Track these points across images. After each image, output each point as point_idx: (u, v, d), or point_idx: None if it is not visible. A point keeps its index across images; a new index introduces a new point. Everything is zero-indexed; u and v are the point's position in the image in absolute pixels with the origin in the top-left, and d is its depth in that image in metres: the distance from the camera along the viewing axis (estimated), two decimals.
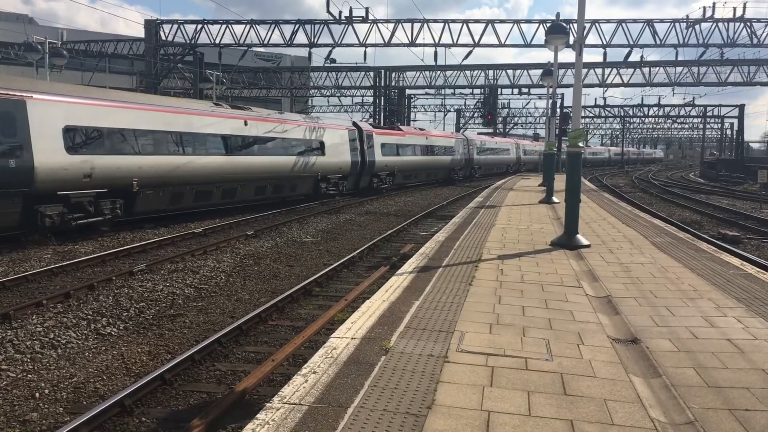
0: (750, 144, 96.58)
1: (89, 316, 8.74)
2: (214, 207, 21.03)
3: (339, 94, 60.73)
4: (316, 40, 34.27)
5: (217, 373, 6.88)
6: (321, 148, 26.73)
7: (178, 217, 19.32)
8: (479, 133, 55.79)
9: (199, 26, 35.17)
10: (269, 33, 34.53)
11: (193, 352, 7.05)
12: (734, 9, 33.73)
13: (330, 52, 35.48)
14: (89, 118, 15.70)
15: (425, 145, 40.03)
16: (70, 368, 6.94)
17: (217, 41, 34.94)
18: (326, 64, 38.03)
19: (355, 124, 32.12)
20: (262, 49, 45.51)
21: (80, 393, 6.32)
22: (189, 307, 9.65)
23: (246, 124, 21.88)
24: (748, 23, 33.47)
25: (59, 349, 7.49)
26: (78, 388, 6.43)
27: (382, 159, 32.88)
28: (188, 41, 35.58)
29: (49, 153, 14.29)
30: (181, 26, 35.50)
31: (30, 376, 6.68)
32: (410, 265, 8.41)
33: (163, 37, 36.00)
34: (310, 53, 35.28)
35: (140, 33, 37.84)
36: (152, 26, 35.67)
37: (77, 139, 15.37)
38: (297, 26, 34.46)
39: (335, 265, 12.35)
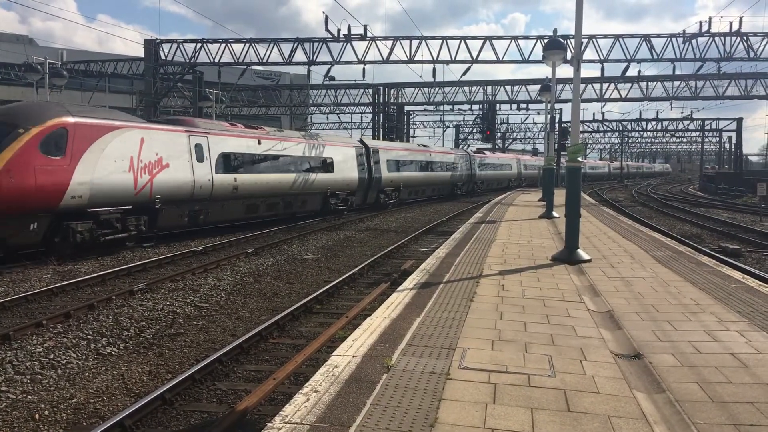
0: (749, 157, 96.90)
1: (89, 336, 8.70)
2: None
3: (338, 112, 61.02)
4: (314, 58, 34.43)
5: (218, 393, 6.84)
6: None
7: (177, 235, 19.33)
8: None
9: (199, 45, 35.35)
10: (268, 51, 34.71)
11: (193, 372, 7.01)
12: (730, 23, 33.92)
13: (329, 69, 35.63)
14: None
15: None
16: (70, 389, 6.90)
17: (216, 60, 35.10)
18: (325, 82, 38.18)
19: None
20: (261, 68, 45.80)
21: (80, 414, 6.28)
22: (189, 325, 9.61)
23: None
24: (745, 37, 33.65)
25: (59, 370, 7.45)
26: (78, 408, 6.39)
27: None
28: (187, 60, 35.76)
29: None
30: (181, 45, 35.69)
31: (30, 397, 6.64)
32: (411, 281, 8.39)
33: (163, 57, 36.18)
34: (309, 71, 35.46)
35: (138, 52, 38.13)
36: (152, 46, 35.86)
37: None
38: (296, 44, 34.64)
39: (336, 282, 12.32)
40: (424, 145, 45.14)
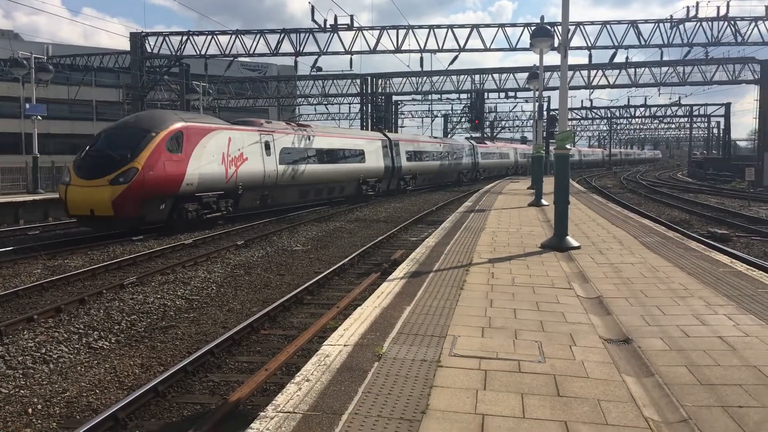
0: (737, 142, 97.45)
1: (81, 330, 8.68)
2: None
3: (326, 102, 60.81)
4: (301, 49, 34.31)
5: (210, 384, 6.85)
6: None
7: (166, 229, 19.31)
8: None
9: (184, 38, 35.13)
10: (255, 43, 34.56)
11: (185, 364, 7.01)
12: (717, 8, 33.94)
13: (316, 60, 35.57)
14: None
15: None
16: (62, 383, 6.89)
17: (202, 52, 34.90)
18: (312, 73, 38.12)
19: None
20: (247, 59, 45.55)
21: (73, 407, 6.28)
22: (181, 318, 9.61)
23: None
24: (732, 22, 33.74)
25: (51, 364, 7.44)
26: (71, 402, 6.38)
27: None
28: (174, 53, 35.53)
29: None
30: (167, 38, 35.44)
31: (22, 391, 6.62)
32: (401, 270, 8.42)
33: (149, 50, 35.94)
34: (296, 62, 35.39)
35: (124, 45, 37.97)
36: (137, 39, 35.62)
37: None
38: (282, 35, 34.48)
39: (326, 272, 12.33)
40: (436, 137, 48.94)
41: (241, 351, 7.99)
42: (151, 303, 10.28)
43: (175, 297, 10.76)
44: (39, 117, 28.72)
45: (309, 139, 26.65)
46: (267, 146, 23.20)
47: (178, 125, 18.87)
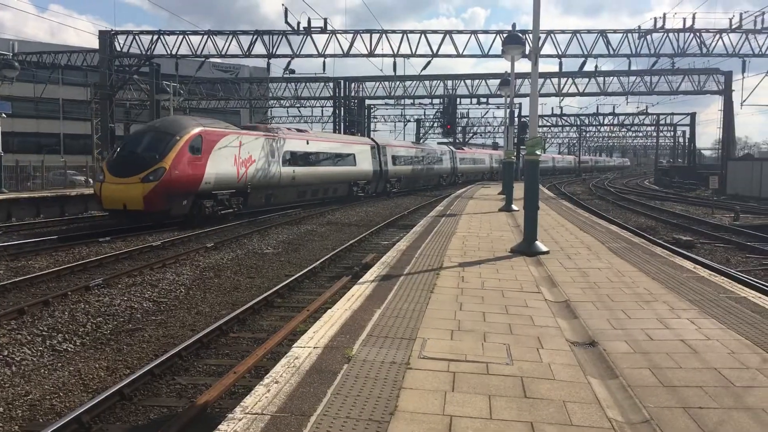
0: (702, 151, 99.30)
1: (44, 333, 8.54)
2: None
3: (299, 105, 60.62)
4: (274, 51, 34.15)
5: (177, 387, 6.79)
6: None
7: (134, 230, 19.16)
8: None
9: (155, 37, 34.72)
10: (227, 44, 34.30)
11: (152, 366, 6.95)
12: (684, 20, 34.64)
13: (289, 62, 35.39)
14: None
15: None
16: (25, 386, 6.76)
17: (173, 52, 34.53)
18: (285, 75, 37.95)
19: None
20: (219, 60, 45.24)
21: (36, 411, 6.17)
22: (148, 321, 9.50)
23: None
24: (698, 34, 34.46)
25: (14, 367, 7.30)
26: (34, 405, 6.27)
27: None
28: (144, 52, 35.10)
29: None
30: (137, 37, 35.01)
31: None
32: (372, 274, 8.43)
33: (118, 48, 35.46)
34: (268, 64, 35.14)
35: (92, 43, 37.39)
36: (106, 37, 35.12)
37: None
38: (255, 37, 34.29)
39: (297, 275, 12.30)
40: (419, 143, 51.94)
41: (210, 354, 7.93)
42: (118, 305, 10.14)
43: (143, 299, 10.64)
44: (3, 115, 28.18)
45: (307, 143, 28.95)
46: (271, 150, 25.36)
47: (198, 130, 20.98)
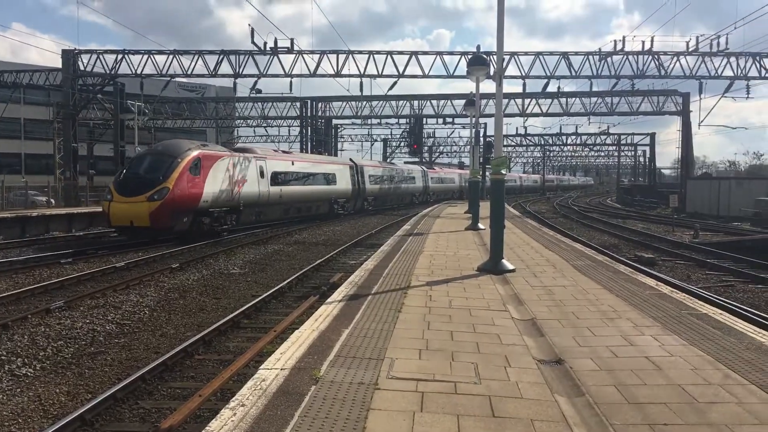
0: (662, 170, 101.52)
1: (2, 357, 8.30)
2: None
3: (265, 125, 60.47)
4: (241, 71, 34.14)
5: (141, 412, 6.65)
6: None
7: (97, 252, 18.86)
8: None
9: (120, 56, 34.44)
10: (193, 63, 34.19)
11: (115, 391, 6.80)
12: (643, 42, 35.64)
13: (255, 82, 35.43)
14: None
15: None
16: None
17: (138, 71, 34.27)
18: (252, 95, 37.93)
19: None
20: (185, 80, 44.91)
21: None
22: (111, 344, 9.30)
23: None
24: (656, 56, 35.41)
25: None
26: None
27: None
28: (108, 71, 34.76)
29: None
30: (101, 56, 34.67)
31: None
32: (340, 293, 8.40)
33: (82, 67, 35.06)
34: (235, 84, 35.15)
35: (55, 62, 36.88)
36: (70, 56, 34.72)
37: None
38: (221, 56, 34.24)
39: (264, 296, 12.19)
40: (394, 164, 54.53)
41: (174, 377, 7.80)
42: (80, 328, 9.92)
43: (105, 322, 10.43)
44: None
45: (292, 164, 30.75)
46: (261, 170, 26.94)
47: (197, 152, 22.73)
